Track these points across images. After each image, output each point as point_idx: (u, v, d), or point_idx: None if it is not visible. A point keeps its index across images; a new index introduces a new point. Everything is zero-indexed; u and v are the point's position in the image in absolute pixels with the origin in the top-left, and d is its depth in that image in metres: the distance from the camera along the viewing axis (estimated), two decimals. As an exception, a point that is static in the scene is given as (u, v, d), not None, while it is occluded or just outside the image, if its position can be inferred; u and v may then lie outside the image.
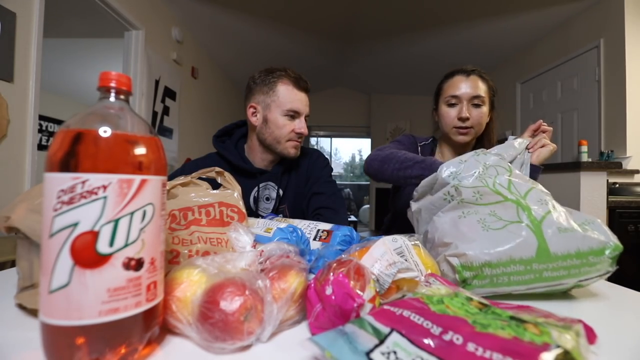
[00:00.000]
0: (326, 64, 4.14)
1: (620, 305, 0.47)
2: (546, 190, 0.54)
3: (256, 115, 0.90)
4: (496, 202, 0.51)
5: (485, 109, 0.91)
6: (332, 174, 1.05)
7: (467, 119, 0.90)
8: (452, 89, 0.91)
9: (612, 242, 0.45)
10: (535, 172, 0.73)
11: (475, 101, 0.89)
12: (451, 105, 0.92)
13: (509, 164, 0.58)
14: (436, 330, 0.26)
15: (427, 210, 0.60)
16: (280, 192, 0.94)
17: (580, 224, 0.47)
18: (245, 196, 0.89)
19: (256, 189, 0.92)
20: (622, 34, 2.40)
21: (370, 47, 3.74)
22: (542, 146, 0.75)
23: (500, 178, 0.54)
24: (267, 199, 0.93)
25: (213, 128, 4.16)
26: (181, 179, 0.52)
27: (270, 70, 0.89)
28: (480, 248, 0.46)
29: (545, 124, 0.79)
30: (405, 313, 0.29)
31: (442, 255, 0.48)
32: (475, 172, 0.56)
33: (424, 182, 0.63)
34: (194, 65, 3.34)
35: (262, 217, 0.91)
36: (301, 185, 0.97)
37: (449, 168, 0.58)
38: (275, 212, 0.93)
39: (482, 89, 0.90)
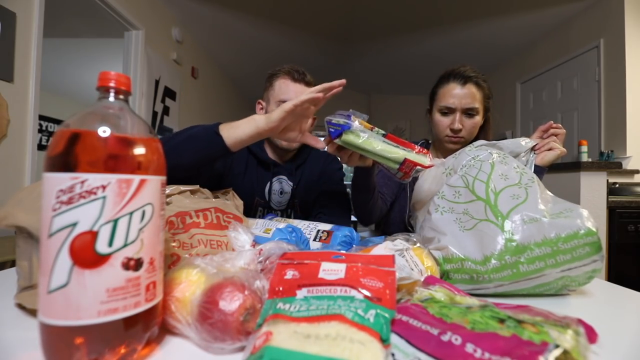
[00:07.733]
0: (326, 64, 4.13)
1: (620, 305, 0.47)
2: (532, 177, 0.53)
3: (262, 111, 0.97)
4: (469, 201, 0.53)
5: (478, 118, 0.90)
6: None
7: (460, 130, 0.89)
8: (446, 98, 0.89)
9: (584, 228, 0.43)
10: (539, 173, 0.72)
11: (469, 112, 0.89)
12: (444, 114, 0.91)
13: (494, 159, 0.58)
14: (434, 331, 0.26)
15: (423, 212, 0.61)
16: (294, 186, 0.99)
17: (558, 212, 0.47)
18: (260, 188, 0.95)
19: (269, 182, 0.96)
20: (622, 34, 2.40)
21: (370, 47, 3.74)
22: (550, 149, 0.74)
23: (482, 175, 0.54)
24: (282, 192, 0.98)
25: (213, 128, 4.17)
26: (189, 187, 0.52)
27: (274, 68, 0.95)
28: (460, 247, 0.48)
29: (558, 125, 0.76)
30: (404, 318, 0.29)
31: (427, 250, 0.49)
32: (461, 168, 0.57)
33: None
34: (194, 65, 3.34)
35: (274, 210, 0.96)
36: (314, 180, 1.01)
37: (445, 164, 0.61)
38: (292, 206, 0.99)
39: (477, 98, 0.88)
